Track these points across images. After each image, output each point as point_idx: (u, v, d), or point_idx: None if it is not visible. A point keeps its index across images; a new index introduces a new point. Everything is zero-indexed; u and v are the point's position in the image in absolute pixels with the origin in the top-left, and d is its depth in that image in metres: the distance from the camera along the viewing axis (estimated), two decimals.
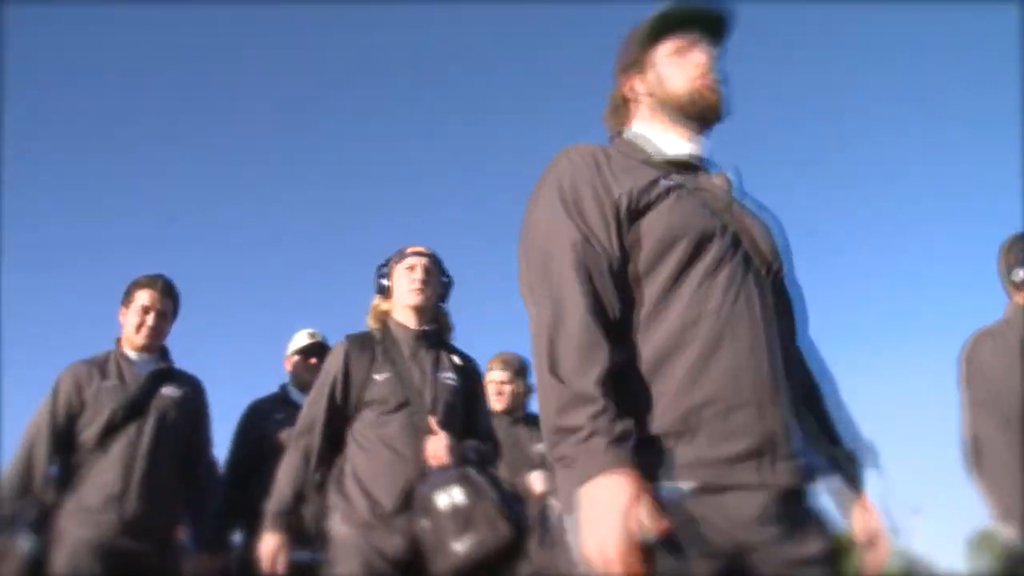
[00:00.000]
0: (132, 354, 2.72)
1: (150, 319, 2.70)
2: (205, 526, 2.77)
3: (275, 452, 2.63)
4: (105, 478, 2.47)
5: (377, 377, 2.24)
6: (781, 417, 1.05)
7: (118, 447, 2.51)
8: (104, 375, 2.63)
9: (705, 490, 0.99)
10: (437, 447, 2.14)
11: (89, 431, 2.54)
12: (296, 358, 3.22)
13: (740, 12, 1.27)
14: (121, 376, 2.66)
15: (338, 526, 2.13)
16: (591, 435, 0.95)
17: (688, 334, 1.05)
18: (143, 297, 2.71)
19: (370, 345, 2.32)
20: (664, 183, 1.13)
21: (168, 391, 2.67)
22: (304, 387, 3.03)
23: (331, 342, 2.82)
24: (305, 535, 2.53)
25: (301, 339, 3.26)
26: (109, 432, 2.53)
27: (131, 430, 2.55)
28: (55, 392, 2.59)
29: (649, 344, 1.06)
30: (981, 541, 21.11)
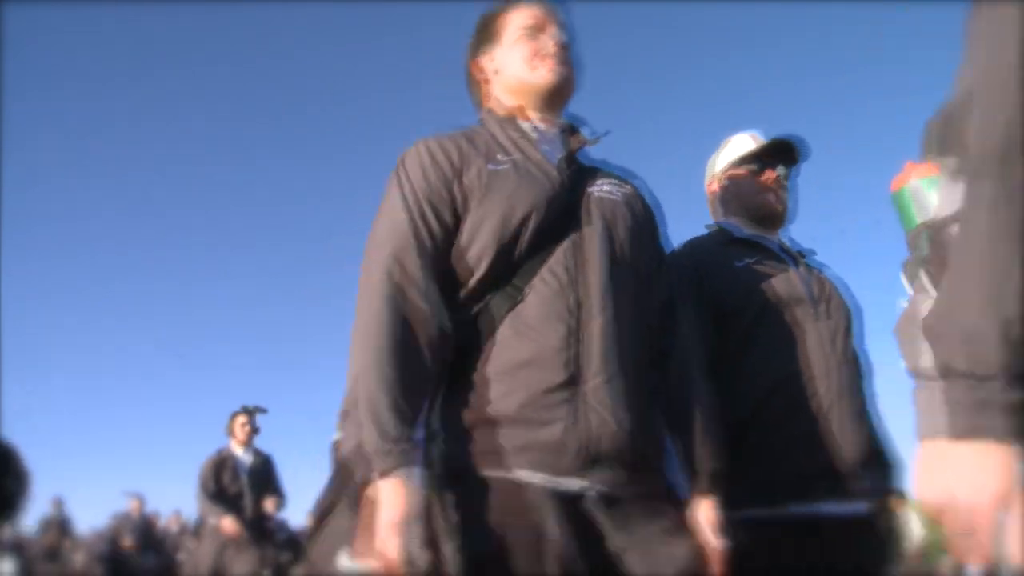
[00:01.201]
0: (532, 122, 1.36)
1: (550, 41, 1.36)
2: (704, 439, 1.26)
3: (754, 314, 1.60)
4: (535, 351, 1.14)
5: None
6: None
7: (545, 289, 1.18)
8: (488, 155, 1.27)
9: None
10: None
11: (481, 262, 1.20)
12: (735, 172, 1.81)
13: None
14: (520, 154, 1.30)
15: None
16: None
17: None
18: (520, 18, 1.39)
19: None
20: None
21: (605, 188, 1.33)
22: (760, 214, 1.75)
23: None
24: None
25: (744, 144, 1.82)
26: (525, 256, 1.21)
27: (561, 256, 1.21)
28: (404, 190, 1.24)
29: None
30: None
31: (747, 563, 1.23)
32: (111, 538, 11.74)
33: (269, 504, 5.32)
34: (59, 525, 12.28)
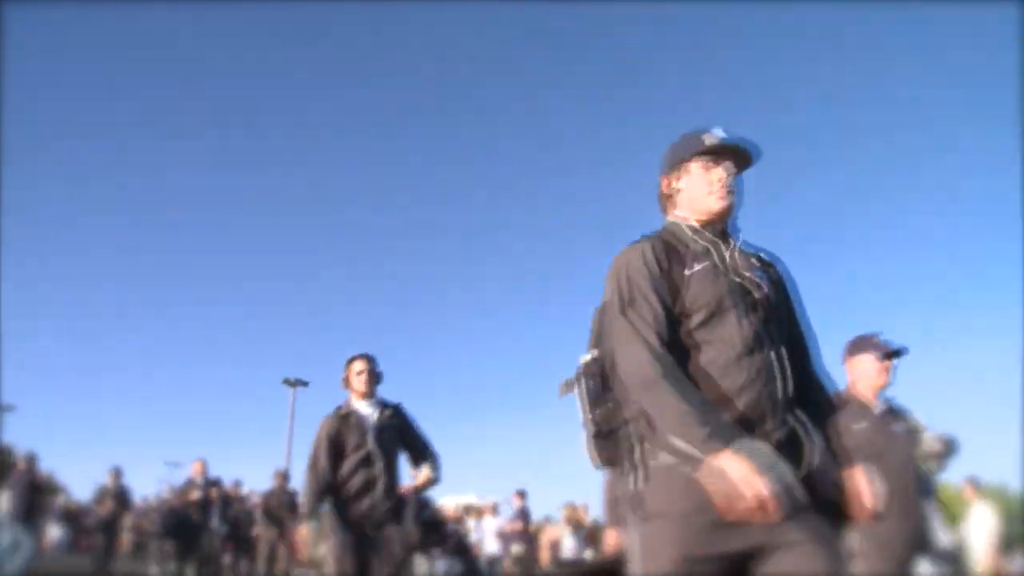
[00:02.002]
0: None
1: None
2: None
3: None
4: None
5: None
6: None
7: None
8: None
9: None
10: None
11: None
12: None
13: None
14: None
15: None
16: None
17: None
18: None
19: None
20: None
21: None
22: None
23: None
24: None
25: None
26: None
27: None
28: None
29: None
30: None
31: None
32: (170, 508, 11.41)
33: (423, 472, 4.20)
34: (117, 496, 11.88)
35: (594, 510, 14.73)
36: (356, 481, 4.00)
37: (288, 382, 28.40)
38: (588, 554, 12.72)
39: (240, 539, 11.57)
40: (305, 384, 28.43)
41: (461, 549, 10.92)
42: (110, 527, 11.62)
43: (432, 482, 4.23)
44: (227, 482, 12.06)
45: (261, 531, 10.15)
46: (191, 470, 10.49)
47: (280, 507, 10.00)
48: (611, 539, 3.11)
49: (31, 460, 9.91)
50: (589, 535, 13.11)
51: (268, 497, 10.34)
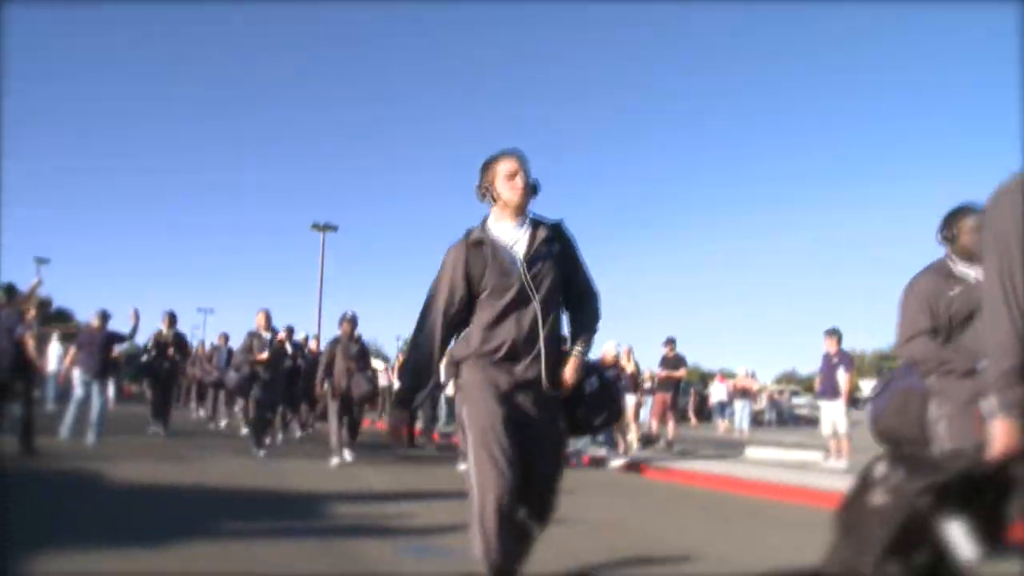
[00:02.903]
0: None
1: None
2: None
3: None
4: None
5: None
6: None
7: None
8: None
9: None
10: None
11: None
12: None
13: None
14: None
15: None
16: None
17: None
18: None
19: None
20: None
21: None
22: None
23: None
24: None
25: None
26: None
27: None
28: None
29: None
30: None
31: None
32: (231, 362, 11.29)
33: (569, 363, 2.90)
34: (176, 343, 11.73)
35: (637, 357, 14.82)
36: (502, 336, 2.80)
37: (317, 227, 27.68)
38: (632, 399, 12.93)
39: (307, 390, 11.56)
40: (334, 229, 27.74)
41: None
42: (171, 375, 11.64)
43: (584, 324, 3.01)
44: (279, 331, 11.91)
45: (330, 384, 9.69)
46: (255, 322, 10.10)
47: (347, 358, 9.52)
48: (1004, 434, 2.01)
49: (104, 317, 9.70)
50: (631, 380, 13.25)
51: (334, 347, 9.66)
